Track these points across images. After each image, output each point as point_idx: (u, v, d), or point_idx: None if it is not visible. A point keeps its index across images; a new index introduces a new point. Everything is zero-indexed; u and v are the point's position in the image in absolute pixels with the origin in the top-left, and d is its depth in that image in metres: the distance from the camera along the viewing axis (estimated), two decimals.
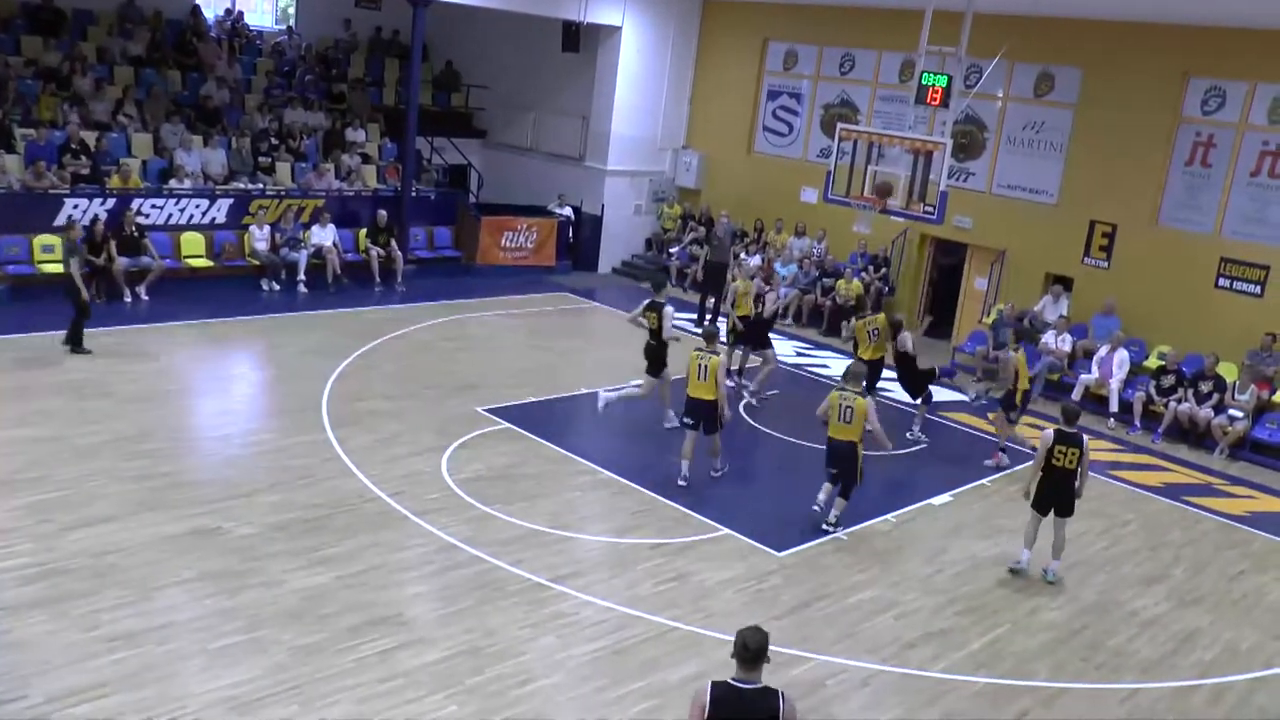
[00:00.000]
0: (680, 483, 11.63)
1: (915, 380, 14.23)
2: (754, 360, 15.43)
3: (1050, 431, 10.09)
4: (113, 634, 7.69)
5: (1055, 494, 10.19)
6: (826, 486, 11.05)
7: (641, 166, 23.08)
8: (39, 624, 7.72)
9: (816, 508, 11.01)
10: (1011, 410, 13.51)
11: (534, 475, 11.56)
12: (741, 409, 14.54)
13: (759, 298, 15.69)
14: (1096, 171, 17.61)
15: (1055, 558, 10.39)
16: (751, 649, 5.23)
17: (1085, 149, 17.84)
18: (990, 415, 14.43)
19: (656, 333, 12.93)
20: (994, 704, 8.20)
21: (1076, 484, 10.18)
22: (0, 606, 7.88)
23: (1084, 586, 10.40)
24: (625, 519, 10.75)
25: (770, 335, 15.30)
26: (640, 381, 13.31)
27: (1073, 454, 10.00)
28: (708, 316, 18.96)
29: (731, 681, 5.24)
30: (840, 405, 10.74)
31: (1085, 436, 10.22)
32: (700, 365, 11.47)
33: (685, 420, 11.73)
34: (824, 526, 10.92)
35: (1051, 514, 10.26)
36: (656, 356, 13.00)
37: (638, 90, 22.44)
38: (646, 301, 13.21)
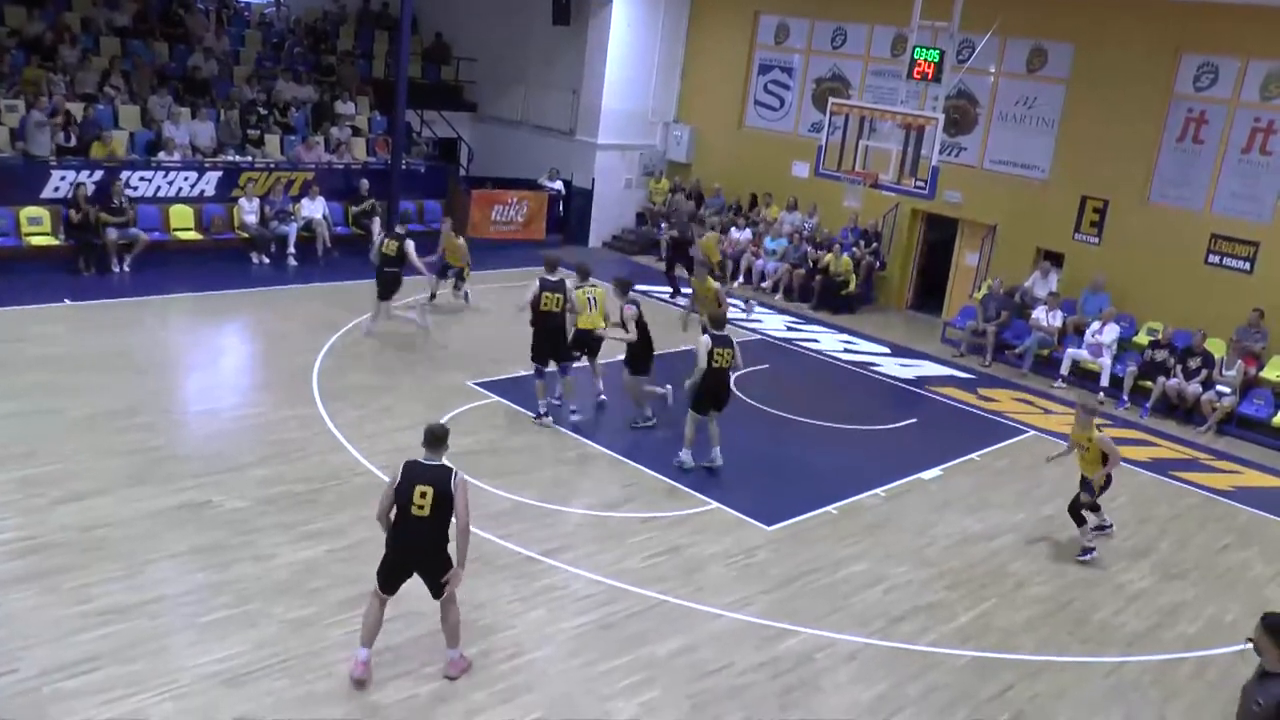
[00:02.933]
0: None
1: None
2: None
3: (706, 337, 10.78)
4: (103, 608, 7.70)
5: (717, 393, 11.03)
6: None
7: (632, 140, 22.98)
8: (28, 598, 7.72)
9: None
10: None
11: (524, 449, 11.58)
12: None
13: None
14: (1088, 147, 17.59)
15: (715, 445, 11.28)
16: (437, 434, 7.14)
17: (1077, 125, 17.81)
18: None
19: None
20: (980, 677, 8.27)
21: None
22: None
23: (1071, 560, 10.46)
24: (615, 493, 10.78)
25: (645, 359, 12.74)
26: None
27: (728, 354, 10.93)
28: (682, 292, 18.86)
29: (419, 460, 7.08)
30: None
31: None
32: (589, 298, 12.41)
33: (573, 353, 12.59)
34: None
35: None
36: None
37: (629, 64, 22.31)
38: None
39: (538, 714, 7.15)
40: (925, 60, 15.53)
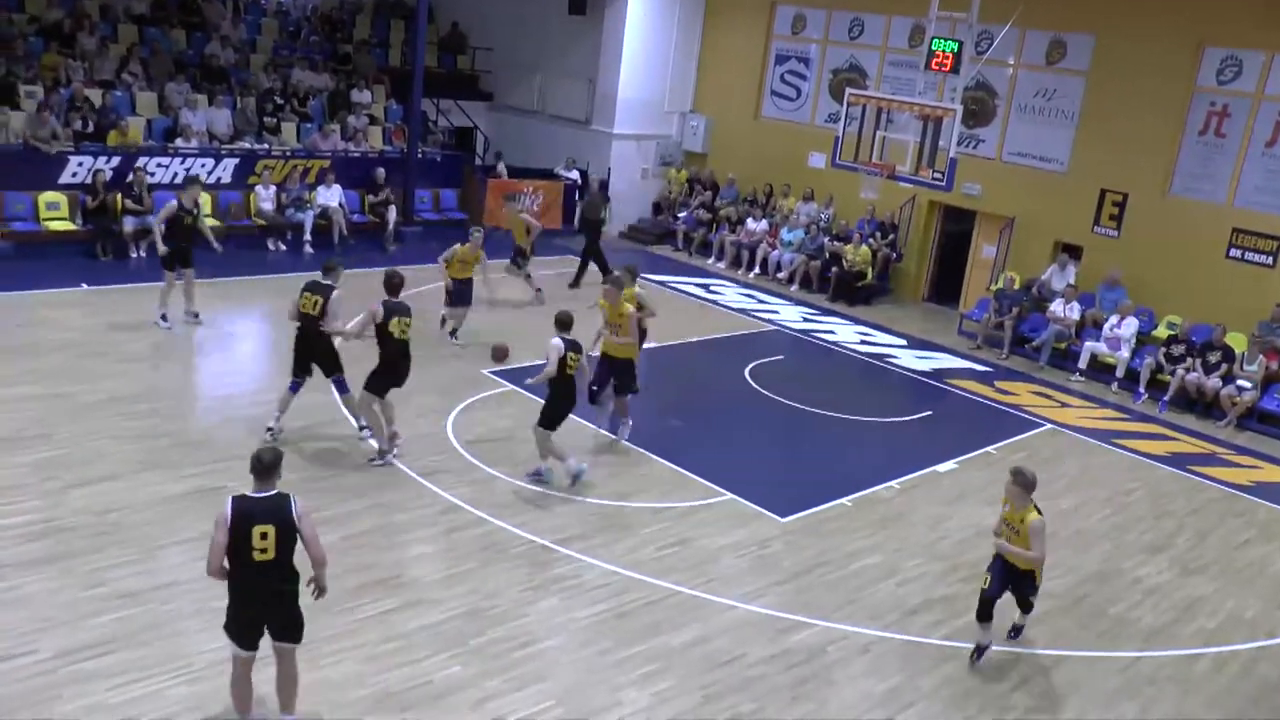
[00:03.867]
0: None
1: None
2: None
3: (559, 340, 10.22)
4: (117, 592, 7.73)
5: (567, 402, 10.28)
6: None
7: (648, 130, 22.92)
8: (43, 581, 7.75)
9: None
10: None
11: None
12: (748, 375, 14.51)
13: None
14: (1108, 140, 17.43)
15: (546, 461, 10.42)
16: (265, 462, 6.13)
17: (1097, 117, 17.65)
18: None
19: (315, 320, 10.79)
20: (994, 671, 8.21)
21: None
22: (5, 564, 7.92)
23: (1086, 555, 10.39)
24: (628, 483, 10.74)
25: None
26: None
27: (579, 359, 10.23)
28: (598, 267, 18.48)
29: (248, 494, 6.13)
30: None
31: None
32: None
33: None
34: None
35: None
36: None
37: (645, 53, 22.23)
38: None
39: (550, 702, 7.13)
40: (943, 51, 15.41)
